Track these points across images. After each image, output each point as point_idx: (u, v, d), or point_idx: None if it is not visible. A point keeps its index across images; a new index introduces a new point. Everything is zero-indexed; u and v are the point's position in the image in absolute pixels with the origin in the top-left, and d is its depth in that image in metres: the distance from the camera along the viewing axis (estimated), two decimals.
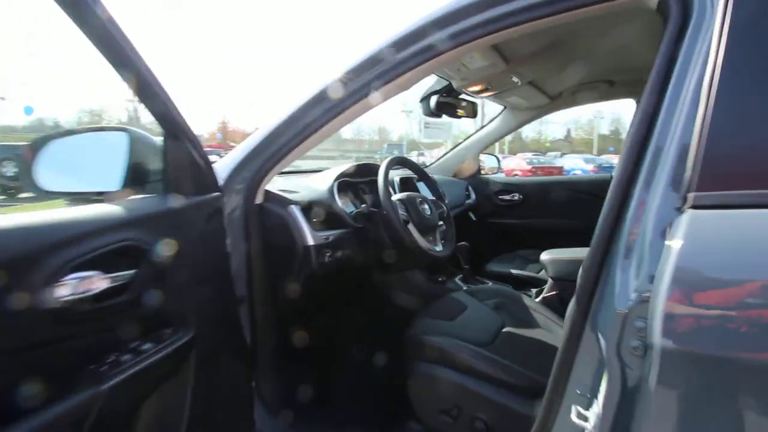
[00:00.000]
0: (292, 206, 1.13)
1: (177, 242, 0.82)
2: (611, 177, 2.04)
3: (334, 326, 1.46)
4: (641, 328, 0.59)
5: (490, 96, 1.67)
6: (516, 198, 2.33)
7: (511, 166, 13.62)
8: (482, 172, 2.60)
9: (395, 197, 1.30)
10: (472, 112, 1.73)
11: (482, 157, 2.60)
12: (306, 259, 1.12)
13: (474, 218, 2.35)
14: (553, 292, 1.43)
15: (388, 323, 1.49)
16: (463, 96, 1.69)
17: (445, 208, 1.47)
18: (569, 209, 2.19)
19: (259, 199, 1.10)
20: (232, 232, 1.03)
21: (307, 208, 1.18)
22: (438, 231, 1.39)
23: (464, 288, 1.68)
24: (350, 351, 1.42)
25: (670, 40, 0.66)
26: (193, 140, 0.89)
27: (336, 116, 0.98)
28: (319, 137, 1.03)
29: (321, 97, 0.98)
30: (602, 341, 0.66)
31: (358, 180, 1.47)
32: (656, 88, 0.66)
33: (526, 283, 1.75)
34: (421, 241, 1.24)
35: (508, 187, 2.36)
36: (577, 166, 14.31)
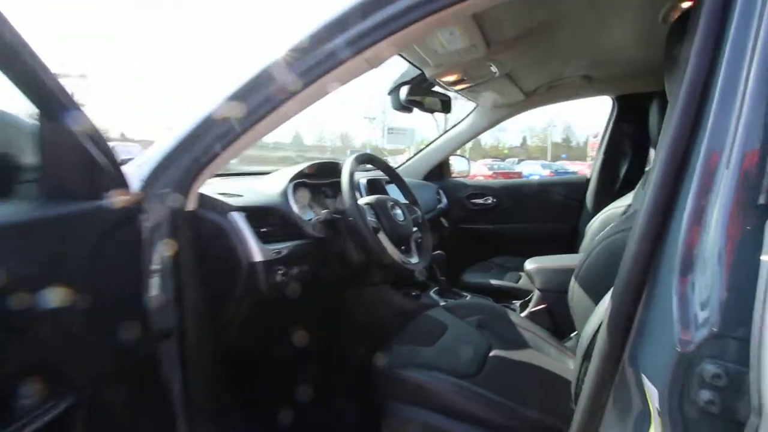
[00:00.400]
0: (234, 213, 0.90)
1: (54, 265, 0.57)
2: (587, 179, 1.95)
3: (292, 361, 1.22)
4: (716, 374, 0.42)
5: (464, 88, 1.52)
6: (489, 202, 2.19)
7: (474, 171, 13.84)
8: (452, 175, 2.45)
9: (363, 201, 1.10)
10: (445, 107, 1.57)
11: (452, 159, 2.46)
12: (252, 280, 0.89)
13: (446, 224, 2.19)
14: (542, 306, 1.27)
15: (354, 350, 1.27)
16: (436, 89, 1.52)
17: (419, 213, 1.29)
18: (545, 213, 2.08)
19: (190, 204, 0.87)
20: (154, 247, 0.78)
21: (254, 215, 0.95)
22: (413, 239, 1.20)
23: (441, 303, 1.50)
24: (315, 391, 1.19)
25: (712, 18, 0.50)
26: (85, 123, 0.65)
27: (288, 99, 0.77)
28: (266, 127, 0.80)
29: (269, 76, 0.76)
30: (650, 389, 0.49)
31: (318, 182, 1.26)
32: (697, 82, 0.50)
33: (507, 295, 1.60)
34: (395, 252, 1.04)
35: (481, 190, 2.22)
36: (534, 171, 14.78)
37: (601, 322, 0.68)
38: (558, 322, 1.24)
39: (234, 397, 1.05)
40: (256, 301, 0.92)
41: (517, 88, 1.70)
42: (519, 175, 13.99)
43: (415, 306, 1.46)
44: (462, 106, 2.22)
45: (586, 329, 0.71)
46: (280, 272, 0.93)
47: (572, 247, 2.01)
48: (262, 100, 0.76)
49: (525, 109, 1.93)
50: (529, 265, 1.32)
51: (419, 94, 1.43)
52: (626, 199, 1.72)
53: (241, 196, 0.99)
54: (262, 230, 0.95)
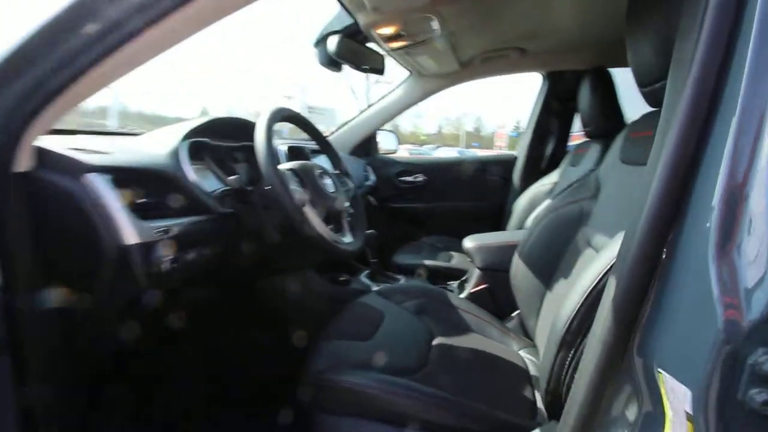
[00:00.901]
0: (92, 175, 0.62)
1: None
2: (514, 157, 1.94)
3: (191, 374, 0.97)
4: None
5: (402, 47, 1.35)
6: (420, 179, 2.09)
7: (397, 155, 13.96)
8: (380, 152, 2.30)
9: (284, 166, 0.88)
10: (379, 65, 1.38)
11: (380, 134, 2.30)
12: (123, 270, 0.63)
13: (374, 202, 2.03)
14: (482, 285, 1.19)
15: (273, 353, 1.06)
16: (370, 45, 1.33)
17: (351, 186, 1.10)
18: (474, 191, 2.04)
19: (22, 162, 0.58)
20: None
21: (127, 180, 0.67)
22: (345, 216, 1.01)
23: (374, 288, 1.35)
24: (222, 404, 0.95)
25: None
26: None
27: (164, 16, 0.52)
28: (135, 55, 0.55)
29: None
30: (673, 388, 0.38)
31: (224, 143, 0.99)
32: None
33: (442, 276, 1.51)
34: (325, 230, 0.85)
35: (411, 168, 2.10)
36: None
37: (579, 307, 0.59)
38: (499, 301, 1.17)
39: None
40: (133, 299, 0.66)
41: (454, 56, 1.58)
42: None
43: (345, 293, 1.28)
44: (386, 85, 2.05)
45: (561, 314, 0.61)
46: (167, 259, 0.68)
47: (500, 224, 2.01)
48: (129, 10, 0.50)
49: (459, 81, 1.84)
50: (469, 243, 1.23)
51: (351, 48, 1.22)
52: (552, 177, 1.74)
53: (107, 154, 0.71)
54: (139, 202, 0.68)
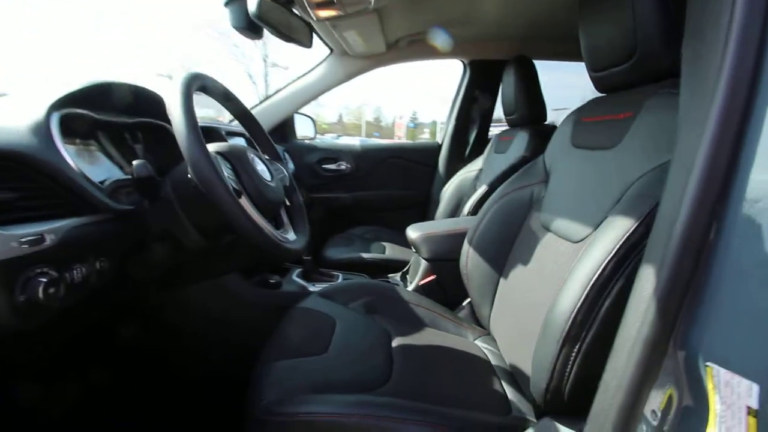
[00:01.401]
0: None
1: None
2: (439, 145, 1.93)
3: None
4: None
5: (332, 18, 1.20)
6: (344, 167, 1.96)
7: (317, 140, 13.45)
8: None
9: (212, 148, 0.68)
10: (305, 37, 1.21)
11: (297, 118, 2.10)
12: None
13: None
14: (431, 277, 1.14)
15: (200, 389, 0.86)
16: (295, 12, 1.15)
17: (286, 173, 0.94)
18: (400, 179, 1.99)
19: None
20: None
21: None
22: (283, 208, 0.85)
23: (312, 288, 1.20)
24: None
25: None
26: None
27: None
28: None
29: None
30: (731, 384, 0.35)
31: (113, 118, 0.75)
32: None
33: (381, 268, 1.42)
34: (268, 228, 0.69)
35: (334, 154, 1.97)
36: None
37: (583, 299, 0.55)
38: (448, 291, 1.13)
39: None
40: None
41: (382, 36, 1.49)
42: None
43: (281, 298, 1.12)
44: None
45: (561, 304, 0.56)
46: (43, 280, 0.46)
47: (426, 213, 2.00)
48: None
49: (383, 63, 1.75)
50: (413, 233, 1.16)
51: (276, 12, 1.04)
52: (477, 164, 1.77)
53: None
54: None
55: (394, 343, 0.86)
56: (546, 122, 1.48)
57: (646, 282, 0.42)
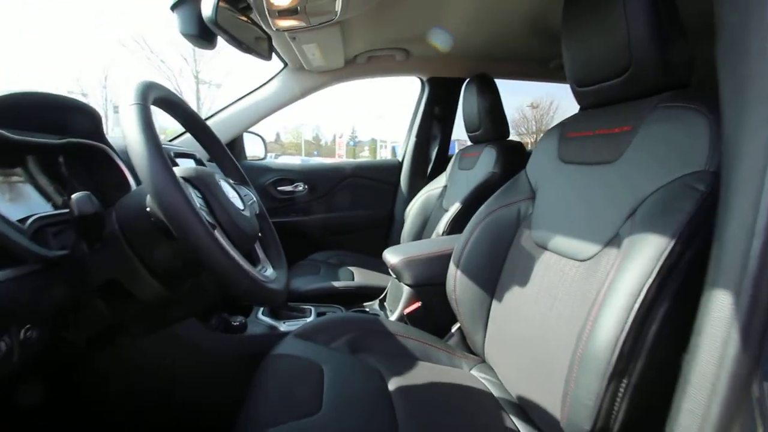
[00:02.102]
0: None
1: None
2: (399, 162, 1.89)
3: None
4: None
5: (292, 29, 1.10)
6: (300, 188, 1.84)
7: (268, 161, 12.83)
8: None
9: (178, 173, 0.55)
10: (265, 49, 1.10)
11: (246, 137, 1.95)
12: None
13: None
14: (416, 304, 1.06)
15: None
16: (252, 20, 1.04)
17: (255, 198, 0.81)
18: (361, 199, 1.91)
19: None
20: None
21: None
22: (257, 241, 0.72)
23: (283, 328, 1.06)
24: None
25: None
26: None
27: None
28: None
29: None
30: None
31: (40, 140, 0.58)
32: None
33: (355, 297, 1.31)
34: (249, 267, 0.56)
35: (289, 175, 1.84)
36: None
37: (629, 329, 0.50)
38: (436, 318, 1.06)
39: None
40: None
41: (342, 51, 1.42)
42: None
43: (249, 344, 0.96)
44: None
45: (601, 336, 0.51)
46: None
47: (390, 233, 1.93)
48: None
49: (339, 79, 1.68)
50: (392, 258, 1.08)
51: (233, 18, 0.92)
52: (440, 181, 1.75)
53: None
54: None
55: (390, 385, 0.77)
56: (508, 137, 1.50)
57: (718, 307, 0.37)
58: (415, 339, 0.95)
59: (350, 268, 1.58)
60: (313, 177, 1.86)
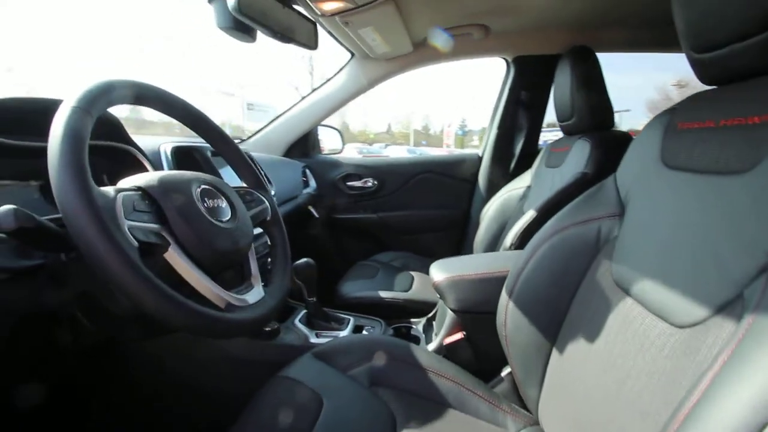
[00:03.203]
0: None
1: None
2: (479, 157, 1.67)
3: None
4: None
5: (338, 13, 1.00)
6: (370, 184, 1.75)
7: (343, 154, 13.59)
8: (322, 151, 1.94)
9: (131, 182, 0.50)
10: (307, 37, 1.02)
11: (321, 131, 1.94)
12: None
13: (316, 214, 1.67)
14: (458, 334, 0.88)
15: None
16: (299, 9, 0.97)
17: (268, 204, 0.74)
18: (434, 197, 1.75)
19: None
20: None
21: None
22: (251, 255, 0.64)
23: (313, 339, 0.99)
24: None
25: None
26: None
27: None
28: None
29: None
30: None
31: (21, 141, 0.58)
32: None
33: (404, 311, 1.18)
34: (205, 286, 0.49)
35: (359, 170, 1.76)
36: (400, 156, 15.27)
37: None
38: (481, 355, 0.87)
39: None
40: None
41: (407, 33, 1.27)
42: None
43: (275, 352, 0.91)
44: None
45: None
46: None
47: (465, 236, 1.73)
48: None
49: (411, 65, 1.52)
50: (437, 275, 0.91)
51: (264, 6, 0.85)
52: (524, 180, 1.48)
53: None
54: None
55: None
56: (612, 128, 1.17)
57: None
58: (451, 379, 0.78)
59: (412, 273, 1.44)
60: (383, 173, 1.76)
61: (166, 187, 0.51)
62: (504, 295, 0.76)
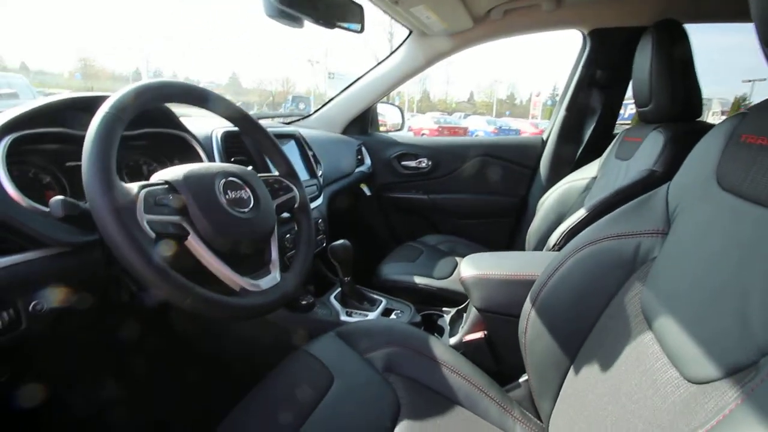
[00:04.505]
0: None
1: None
2: (543, 141, 1.55)
3: None
4: None
5: None
6: (424, 165, 1.73)
7: (420, 124, 13.41)
8: (381, 129, 1.94)
9: (159, 177, 0.56)
10: (356, 18, 1.01)
11: (382, 108, 1.94)
12: None
13: (367, 192, 1.71)
14: (479, 333, 0.87)
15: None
16: None
17: (297, 192, 0.78)
18: (490, 181, 1.67)
19: None
20: None
21: None
22: (272, 243, 0.69)
23: (343, 317, 1.05)
24: None
25: None
26: None
27: None
28: None
29: None
30: None
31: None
32: None
33: (438, 298, 1.19)
34: (224, 272, 0.55)
35: (414, 150, 1.74)
36: (479, 127, 14.58)
37: None
38: (501, 357, 0.85)
39: None
40: None
41: (464, 8, 1.18)
42: (465, 130, 13.78)
43: (308, 324, 0.99)
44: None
45: None
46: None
47: (520, 224, 1.65)
48: None
49: (473, 41, 1.43)
50: (466, 270, 0.89)
51: None
52: (590, 170, 1.34)
53: None
54: None
55: (400, 426, 0.65)
56: (699, 119, 1.00)
57: None
58: (464, 377, 0.78)
59: (457, 258, 1.42)
60: (439, 153, 1.71)
61: (190, 181, 0.57)
62: (528, 302, 0.72)
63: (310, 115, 1.77)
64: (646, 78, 1.01)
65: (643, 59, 1.02)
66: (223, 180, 0.61)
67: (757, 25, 0.42)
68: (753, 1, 0.42)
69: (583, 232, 0.69)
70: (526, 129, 15.27)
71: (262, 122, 1.06)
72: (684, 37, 0.96)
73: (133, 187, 0.50)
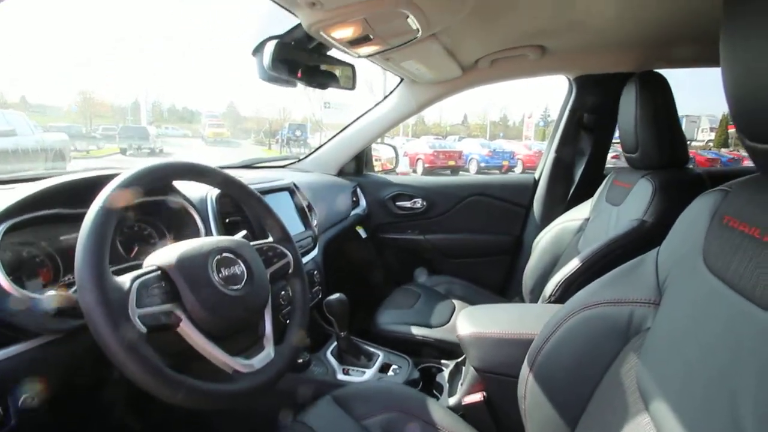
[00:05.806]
0: None
1: None
2: (534, 180, 1.57)
3: None
4: None
5: (376, 53, 1.00)
6: (419, 205, 1.74)
7: (416, 149, 13.54)
8: (375, 163, 1.97)
9: (153, 261, 0.56)
10: (347, 78, 1.04)
11: (377, 147, 1.97)
12: None
13: (363, 234, 1.71)
14: (478, 394, 0.85)
15: None
16: (335, 54, 0.99)
17: (290, 256, 0.78)
18: (485, 221, 1.68)
19: None
20: None
21: None
22: (266, 317, 0.68)
23: (340, 376, 1.03)
24: None
25: None
26: None
27: None
28: None
29: None
30: None
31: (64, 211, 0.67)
32: None
33: (435, 350, 1.17)
34: (215, 354, 0.54)
35: (409, 191, 1.76)
36: (473, 150, 14.73)
37: None
38: (501, 420, 0.83)
39: None
40: None
41: (453, 60, 1.22)
42: (460, 154, 13.91)
43: (300, 387, 0.97)
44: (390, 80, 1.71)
45: None
46: None
47: (515, 262, 1.65)
48: None
49: (462, 88, 1.47)
50: (463, 327, 0.88)
51: (295, 57, 0.89)
52: (582, 210, 1.36)
53: None
54: None
55: None
56: (687, 166, 1.02)
57: None
58: None
59: (454, 302, 1.41)
60: (433, 193, 1.73)
61: (182, 264, 0.57)
62: (525, 365, 0.71)
63: (302, 158, 1.79)
64: (632, 127, 1.04)
65: (628, 108, 1.05)
66: (217, 257, 0.62)
67: (723, 70, 0.43)
68: (723, 51, 0.44)
69: (578, 293, 0.69)
70: (520, 151, 15.42)
71: (259, 165, 1.05)
72: (666, 88, 0.99)
73: (126, 281, 0.50)
